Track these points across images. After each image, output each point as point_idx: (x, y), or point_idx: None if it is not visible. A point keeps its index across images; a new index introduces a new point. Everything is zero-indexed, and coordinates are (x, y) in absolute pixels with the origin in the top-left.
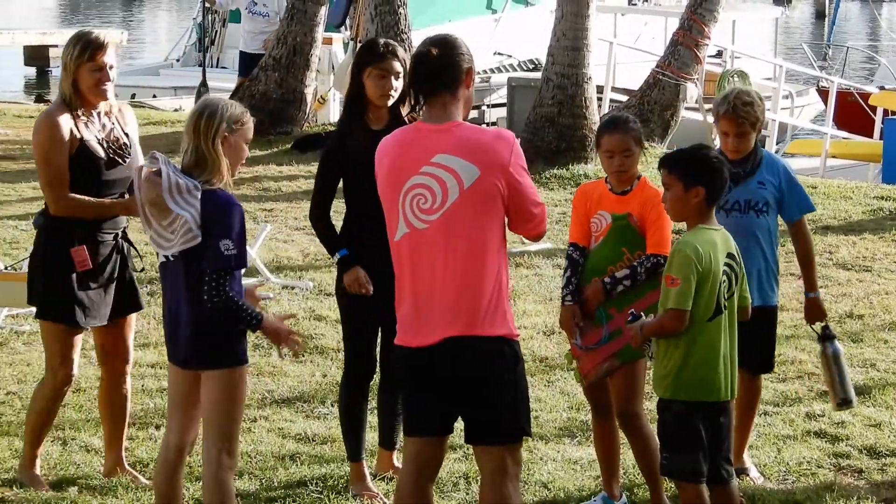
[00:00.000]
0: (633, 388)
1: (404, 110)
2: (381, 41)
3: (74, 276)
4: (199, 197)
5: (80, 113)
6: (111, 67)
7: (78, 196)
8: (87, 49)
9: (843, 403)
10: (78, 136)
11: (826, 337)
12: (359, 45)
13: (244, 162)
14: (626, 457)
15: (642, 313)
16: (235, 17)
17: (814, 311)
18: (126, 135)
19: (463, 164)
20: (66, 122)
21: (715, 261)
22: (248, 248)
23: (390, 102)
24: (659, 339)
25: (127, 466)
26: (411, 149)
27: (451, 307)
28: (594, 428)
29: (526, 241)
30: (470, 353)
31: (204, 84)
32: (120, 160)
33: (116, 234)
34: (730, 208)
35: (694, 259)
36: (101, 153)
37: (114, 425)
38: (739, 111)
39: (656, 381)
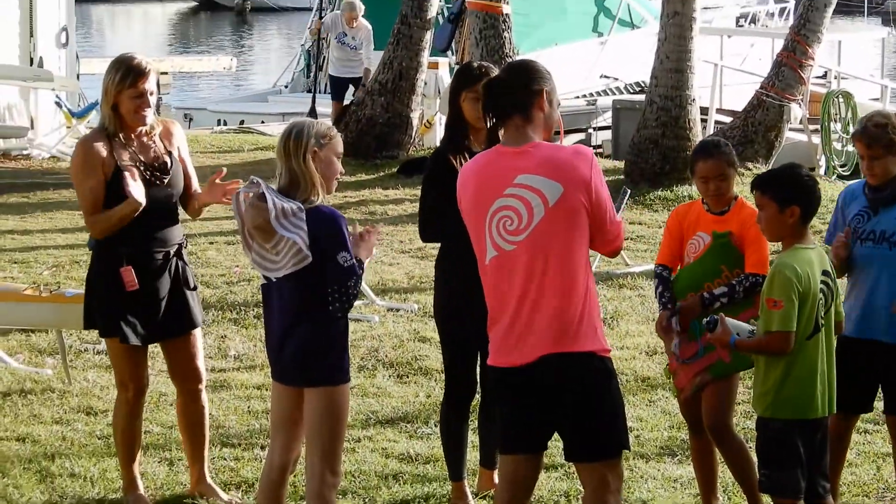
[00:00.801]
0: (723, 401)
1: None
2: (476, 64)
3: (124, 295)
4: (304, 218)
5: (120, 137)
6: (151, 94)
7: (103, 213)
8: (128, 75)
9: None
10: (112, 161)
11: None
12: None
13: (340, 176)
14: (726, 474)
15: (716, 316)
16: None
17: None
18: (169, 153)
19: (546, 183)
20: (100, 147)
21: (814, 280)
22: None
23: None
24: (759, 357)
25: (210, 481)
26: (493, 172)
27: (544, 325)
28: (692, 445)
29: (630, 262)
30: (563, 369)
31: (313, 111)
32: (157, 181)
33: (168, 253)
34: (864, 238)
35: (794, 280)
36: (137, 177)
37: (193, 442)
38: (869, 132)
39: (756, 399)
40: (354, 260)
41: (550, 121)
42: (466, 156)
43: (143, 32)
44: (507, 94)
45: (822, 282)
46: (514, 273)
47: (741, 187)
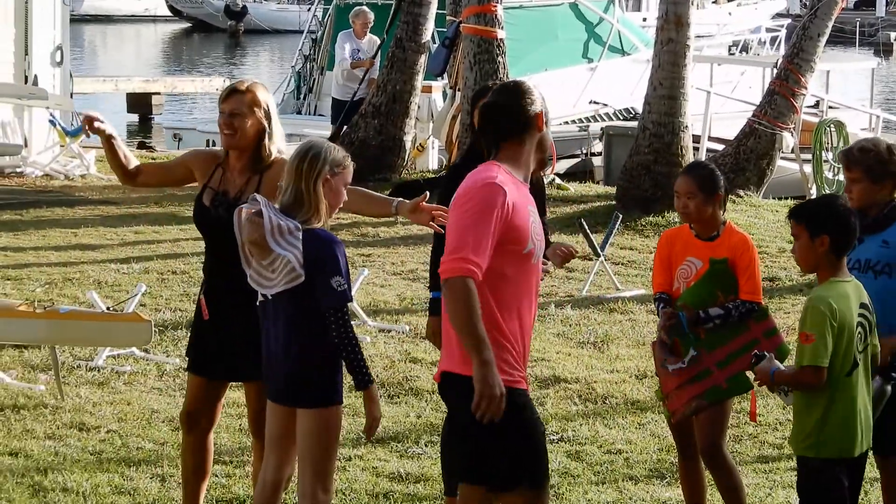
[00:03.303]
0: (718, 424)
1: None
2: (492, 83)
3: (202, 323)
4: (301, 237)
5: (228, 157)
6: (235, 115)
7: None
8: (223, 92)
9: None
10: (203, 181)
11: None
12: (457, 92)
13: (342, 206)
14: (714, 496)
15: (766, 353)
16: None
17: None
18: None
19: None
20: (207, 163)
21: (850, 314)
22: None
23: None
24: (799, 396)
25: None
26: None
27: (450, 341)
28: (680, 469)
29: (620, 286)
30: (452, 391)
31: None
32: (224, 213)
33: (251, 290)
34: (850, 267)
35: (829, 315)
36: (206, 202)
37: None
38: (852, 154)
39: (794, 437)
40: (348, 285)
41: (543, 142)
42: None
43: (136, 53)
44: (503, 117)
45: (861, 315)
46: None
47: (736, 214)
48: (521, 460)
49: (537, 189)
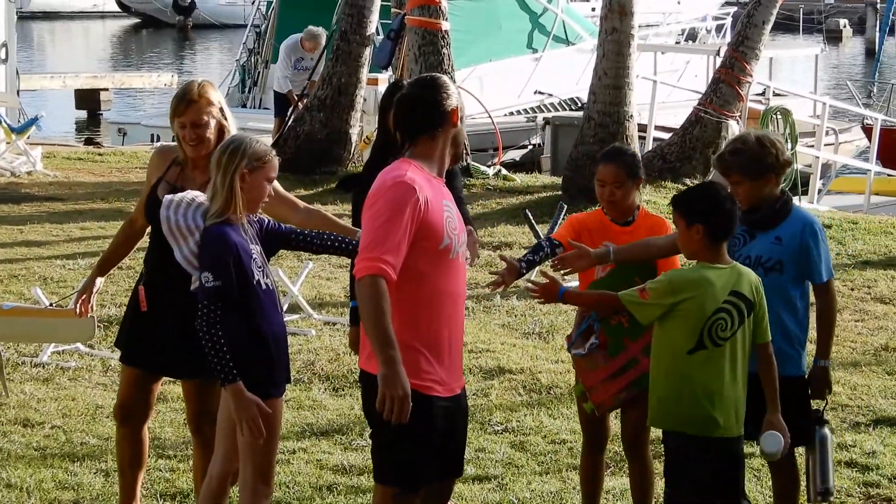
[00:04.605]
0: (646, 416)
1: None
2: (402, 80)
3: (139, 314)
4: (198, 237)
5: (186, 160)
6: (197, 125)
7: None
8: (178, 105)
9: (823, 494)
10: (158, 174)
11: (818, 421)
12: None
13: (267, 200)
14: (659, 487)
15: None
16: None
17: (820, 381)
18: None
19: None
20: (161, 160)
21: (706, 299)
22: (290, 285)
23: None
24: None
25: None
26: None
27: (366, 339)
28: (585, 462)
29: (566, 277)
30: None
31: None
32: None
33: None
34: (740, 263)
35: (668, 288)
36: (161, 196)
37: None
38: (724, 160)
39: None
40: (219, 284)
41: (458, 138)
42: None
43: (85, 49)
44: (418, 111)
45: (730, 302)
46: None
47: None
48: (396, 459)
49: (450, 176)
